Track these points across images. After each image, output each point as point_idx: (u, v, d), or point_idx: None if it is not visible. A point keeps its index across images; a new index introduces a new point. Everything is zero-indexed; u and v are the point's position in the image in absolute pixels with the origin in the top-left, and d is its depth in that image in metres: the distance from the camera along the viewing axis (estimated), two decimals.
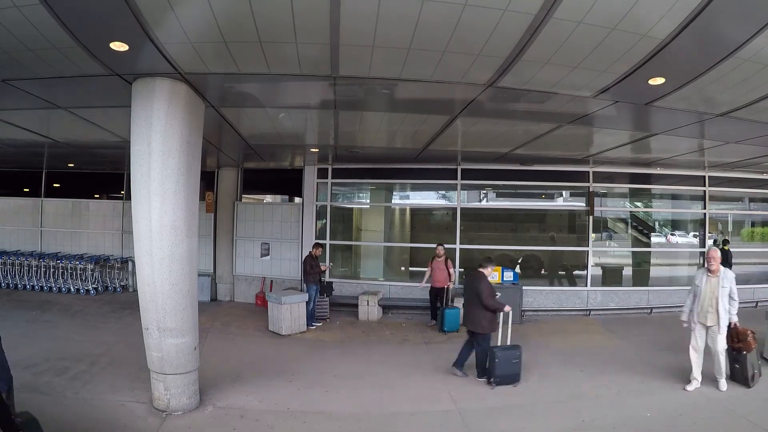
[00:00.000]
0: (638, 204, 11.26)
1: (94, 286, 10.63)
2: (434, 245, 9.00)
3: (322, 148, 8.79)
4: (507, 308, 5.89)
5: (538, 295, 9.66)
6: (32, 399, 4.88)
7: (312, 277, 8.49)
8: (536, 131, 6.71)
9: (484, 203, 11.12)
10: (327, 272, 9.62)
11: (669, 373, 6.01)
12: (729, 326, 5.40)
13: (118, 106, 5.23)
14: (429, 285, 8.83)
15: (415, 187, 11.21)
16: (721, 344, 5.38)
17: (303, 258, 9.01)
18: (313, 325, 8.36)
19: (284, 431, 4.50)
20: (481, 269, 6.08)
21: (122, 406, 4.84)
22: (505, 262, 10.32)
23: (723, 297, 5.31)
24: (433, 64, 4.04)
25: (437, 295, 8.75)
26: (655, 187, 10.89)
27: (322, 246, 8.97)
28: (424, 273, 9.07)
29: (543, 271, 10.72)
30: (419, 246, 10.94)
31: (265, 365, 6.30)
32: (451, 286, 8.70)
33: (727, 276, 5.36)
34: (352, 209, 11.50)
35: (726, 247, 10.30)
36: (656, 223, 11.60)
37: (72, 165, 11.52)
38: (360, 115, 6.20)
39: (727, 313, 5.34)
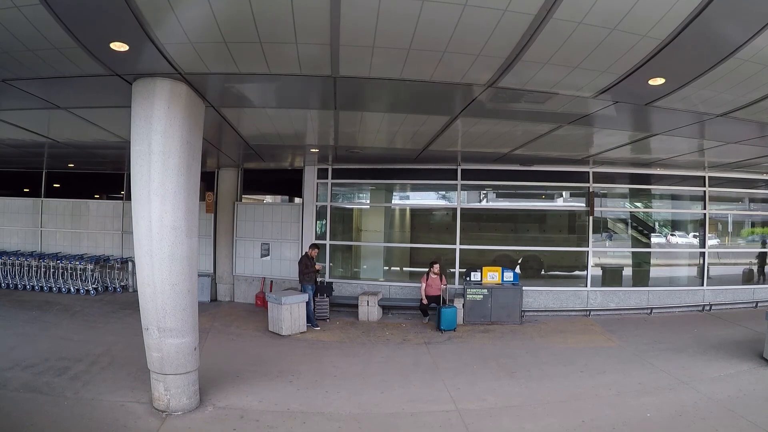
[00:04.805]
0: (638, 204, 11.26)
1: (94, 286, 10.62)
2: (434, 246, 9.01)
3: (322, 149, 8.78)
4: None
5: (538, 296, 9.66)
6: (32, 399, 4.89)
7: (307, 277, 8.50)
8: (536, 131, 6.71)
9: (484, 203, 11.11)
10: (325, 272, 9.57)
11: (669, 373, 6.02)
12: None
13: (119, 107, 5.24)
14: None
15: (415, 188, 11.20)
16: None
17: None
18: (316, 326, 8.36)
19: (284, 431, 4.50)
20: None
21: (122, 406, 4.84)
22: (506, 262, 10.32)
23: None
24: (433, 64, 4.04)
25: (431, 302, 8.87)
26: (655, 188, 10.89)
27: (319, 247, 9.00)
28: (423, 273, 9.07)
29: (543, 272, 10.71)
30: (419, 246, 10.94)
31: (265, 365, 6.30)
32: (445, 292, 8.84)
33: None
34: (352, 209, 11.49)
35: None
36: (656, 224, 11.60)
37: (72, 165, 11.53)
38: (360, 116, 6.20)
39: None
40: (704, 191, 10.33)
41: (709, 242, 10.49)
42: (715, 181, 10.39)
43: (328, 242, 10.44)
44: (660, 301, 9.79)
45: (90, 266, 10.71)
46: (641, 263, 10.64)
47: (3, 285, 10.82)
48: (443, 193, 10.94)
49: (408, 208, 11.77)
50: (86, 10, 3.21)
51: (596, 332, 8.30)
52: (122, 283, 11.14)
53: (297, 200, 11.30)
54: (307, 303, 8.26)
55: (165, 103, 4.52)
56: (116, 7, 3.12)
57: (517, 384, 5.78)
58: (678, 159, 8.88)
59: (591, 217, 9.94)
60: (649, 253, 10.76)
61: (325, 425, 4.64)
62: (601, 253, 10.54)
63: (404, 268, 11.21)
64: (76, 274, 10.68)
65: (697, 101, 5.02)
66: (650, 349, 7.13)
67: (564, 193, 10.99)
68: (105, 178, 12.33)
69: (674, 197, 11.29)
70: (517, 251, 10.74)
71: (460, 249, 10.00)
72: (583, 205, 10.26)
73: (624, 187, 10.82)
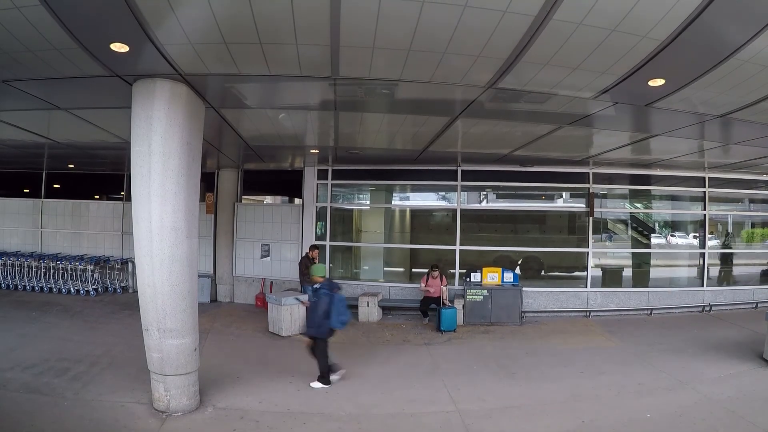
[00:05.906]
0: (638, 205, 11.26)
1: (94, 287, 10.62)
2: (434, 246, 8.99)
3: (322, 150, 8.78)
4: None
5: (538, 297, 9.66)
6: (32, 399, 4.89)
7: (307, 278, 8.49)
8: (536, 132, 6.71)
9: (484, 204, 11.11)
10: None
11: (669, 374, 6.01)
12: None
13: (119, 107, 5.24)
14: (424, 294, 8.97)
15: (415, 189, 11.20)
16: None
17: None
18: None
19: None
20: None
21: (122, 407, 4.84)
22: (506, 263, 10.32)
23: None
24: (433, 65, 4.04)
25: (430, 303, 8.88)
26: (655, 188, 10.88)
27: (319, 248, 9.01)
28: (423, 274, 9.07)
29: (543, 273, 10.71)
30: (419, 247, 10.94)
31: (265, 366, 6.30)
32: (446, 293, 8.83)
33: None
34: (352, 210, 11.50)
35: None
36: (656, 225, 11.60)
37: (72, 166, 11.53)
38: (360, 117, 6.21)
39: None
40: (704, 192, 10.33)
41: (709, 243, 10.49)
42: (715, 182, 10.39)
43: (328, 243, 10.43)
44: (660, 301, 9.78)
45: (90, 267, 10.70)
46: (641, 264, 10.64)
47: (3, 285, 10.82)
48: (443, 194, 10.94)
49: (408, 208, 11.76)
50: (86, 10, 3.21)
51: (596, 333, 8.29)
52: (122, 284, 11.13)
53: (297, 201, 11.31)
54: None
55: (165, 104, 4.52)
56: (116, 8, 3.12)
57: (517, 385, 5.79)
58: (678, 160, 8.88)
59: (591, 218, 9.94)
60: (649, 253, 10.76)
61: (325, 426, 4.63)
62: (600, 253, 10.54)
63: (404, 269, 11.20)
64: (76, 275, 10.67)
65: (697, 102, 5.03)
66: (650, 349, 7.13)
67: (564, 193, 11.00)
68: (105, 178, 12.35)
69: (674, 198, 11.29)
70: (517, 252, 10.73)
71: (460, 250, 10.00)
72: (583, 205, 10.26)
73: (624, 188, 10.82)
